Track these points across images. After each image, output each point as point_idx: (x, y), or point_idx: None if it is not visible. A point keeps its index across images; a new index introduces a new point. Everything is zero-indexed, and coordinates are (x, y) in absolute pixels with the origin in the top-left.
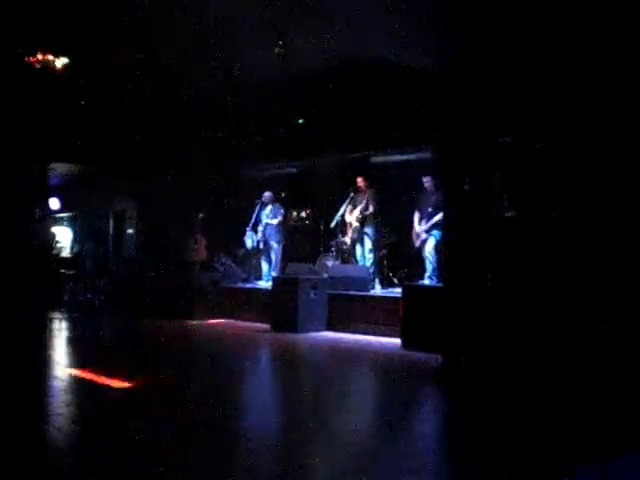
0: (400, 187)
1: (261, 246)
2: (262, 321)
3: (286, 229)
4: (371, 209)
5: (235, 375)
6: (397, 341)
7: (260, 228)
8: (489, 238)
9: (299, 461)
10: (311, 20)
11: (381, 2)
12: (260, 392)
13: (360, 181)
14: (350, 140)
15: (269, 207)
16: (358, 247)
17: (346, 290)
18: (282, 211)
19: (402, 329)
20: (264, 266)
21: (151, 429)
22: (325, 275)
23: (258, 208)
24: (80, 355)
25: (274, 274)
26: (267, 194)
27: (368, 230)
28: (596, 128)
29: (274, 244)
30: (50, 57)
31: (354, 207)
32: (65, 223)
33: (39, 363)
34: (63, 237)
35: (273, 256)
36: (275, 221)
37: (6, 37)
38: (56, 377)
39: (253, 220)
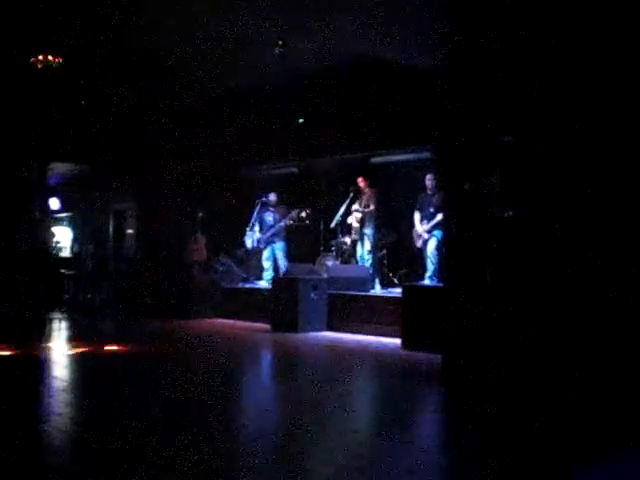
0: (400, 187)
1: (262, 246)
2: (262, 321)
3: (286, 229)
4: (371, 208)
5: (235, 375)
6: (397, 341)
7: (256, 229)
8: (489, 238)
9: (299, 461)
10: (311, 20)
11: (382, 1)
12: (260, 392)
13: (360, 181)
14: (350, 140)
15: (277, 208)
16: (358, 247)
17: (346, 290)
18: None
19: (402, 329)
20: (266, 264)
21: (150, 429)
22: (325, 275)
23: (260, 209)
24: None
25: (288, 266)
26: (272, 196)
27: (368, 230)
28: (597, 128)
29: (281, 242)
30: (50, 57)
31: (354, 208)
32: (65, 223)
33: (39, 363)
34: (63, 237)
35: (280, 254)
36: (290, 222)
37: (6, 37)
38: (56, 377)
39: (253, 221)
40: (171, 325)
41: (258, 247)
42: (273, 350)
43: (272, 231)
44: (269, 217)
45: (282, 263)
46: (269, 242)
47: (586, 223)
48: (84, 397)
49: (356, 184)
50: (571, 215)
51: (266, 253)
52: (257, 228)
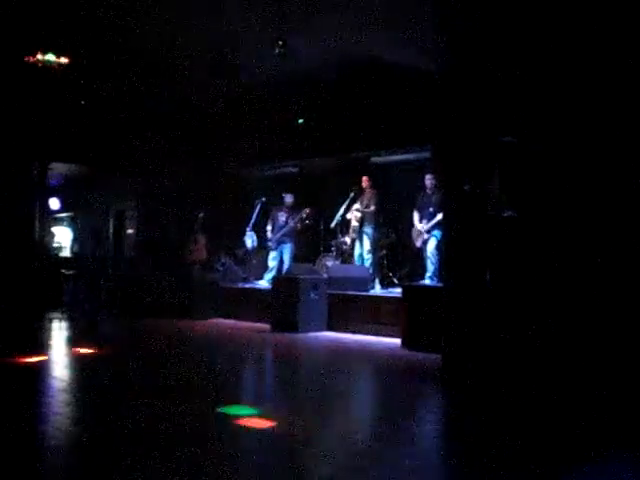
0: (400, 187)
1: (273, 246)
2: (262, 321)
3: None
4: (372, 208)
5: (235, 375)
6: (397, 341)
7: (269, 229)
8: (489, 238)
9: (299, 461)
10: (311, 20)
11: (382, 2)
12: (260, 392)
13: (364, 180)
14: (350, 140)
15: (291, 210)
16: (358, 247)
17: (346, 290)
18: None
19: (402, 329)
20: (271, 264)
21: (151, 428)
22: (325, 275)
23: (274, 209)
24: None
25: (289, 266)
26: (289, 197)
27: (368, 230)
28: (596, 128)
29: (290, 244)
30: (51, 57)
31: (355, 207)
32: (65, 223)
33: (39, 362)
34: (63, 237)
35: (287, 256)
36: (298, 224)
37: (7, 36)
38: (56, 377)
39: (253, 221)
40: (171, 325)
41: (268, 247)
42: (273, 350)
43: (283, 231)
44: (282, 217)
45: (287, 265)
46: (280, 242)
47: (586, 223)
48: (84, 397)
49: (358, 183)
50: (570, 215)
51: (274, 253)
52: (269, 228)
